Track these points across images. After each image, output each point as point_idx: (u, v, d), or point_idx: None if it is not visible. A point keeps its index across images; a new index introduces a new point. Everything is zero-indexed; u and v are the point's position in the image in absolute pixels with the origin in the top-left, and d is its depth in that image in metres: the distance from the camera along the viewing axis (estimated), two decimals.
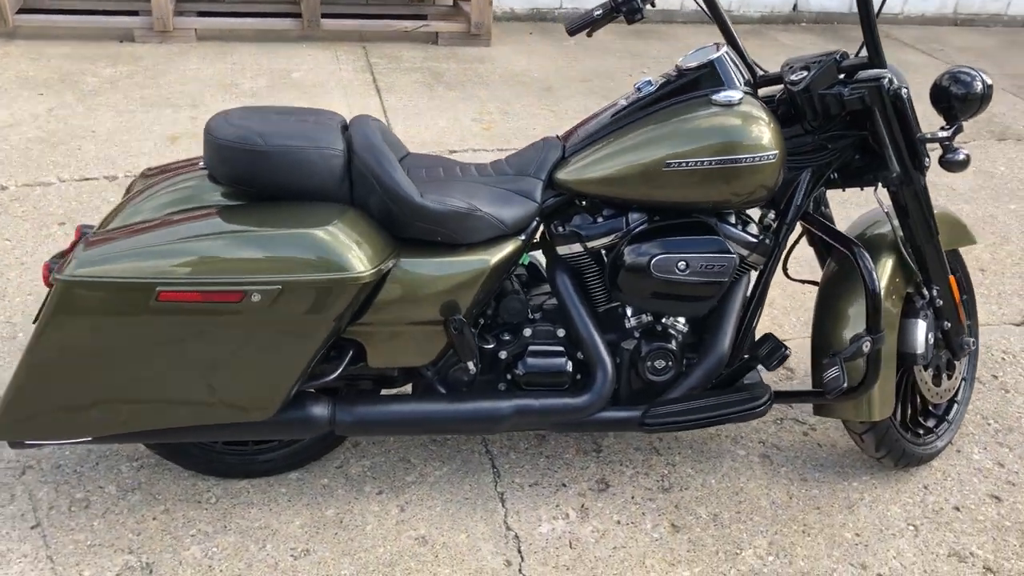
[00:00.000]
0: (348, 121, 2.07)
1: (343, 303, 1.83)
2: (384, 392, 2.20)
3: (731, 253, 2.04)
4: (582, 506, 2.25)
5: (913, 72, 5.61)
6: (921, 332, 2.25)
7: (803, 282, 2.50)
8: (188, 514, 2.14)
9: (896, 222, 2.24)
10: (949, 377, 2.46)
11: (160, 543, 2.06)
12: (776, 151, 2.01)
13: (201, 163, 2.05)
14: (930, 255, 2.23)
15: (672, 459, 2.43)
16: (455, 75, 5.20)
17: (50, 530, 2.07)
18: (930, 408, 2.50)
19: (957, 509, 2.33)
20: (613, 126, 2.09)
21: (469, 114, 4.63)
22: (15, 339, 2.69)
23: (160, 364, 1.82)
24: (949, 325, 2.33)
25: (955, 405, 2.54)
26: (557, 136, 2.20)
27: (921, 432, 2.44)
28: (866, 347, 2.06)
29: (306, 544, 2.09)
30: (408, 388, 2.20)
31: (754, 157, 1.99)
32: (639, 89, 2.14)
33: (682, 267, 2.04)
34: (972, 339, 2.42)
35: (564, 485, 2.31)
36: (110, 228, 1.85)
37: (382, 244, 1.90)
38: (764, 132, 2.00)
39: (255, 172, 1.89)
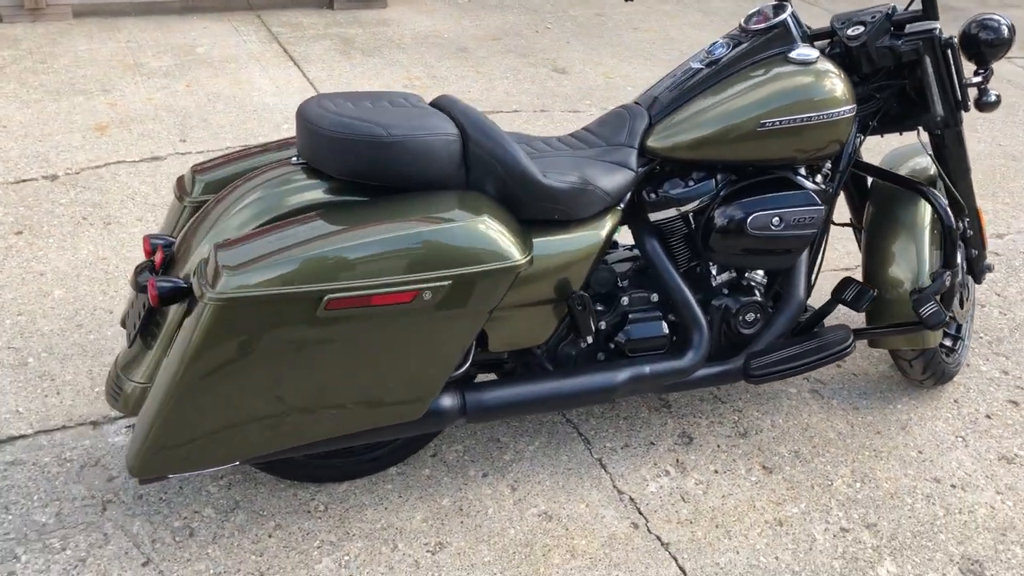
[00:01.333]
0: (435, 103, 2.00)
1: (502, 291, 1.78)
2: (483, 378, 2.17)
3: (819, 204, 2.14)
4: (676, 460, 2.32)
5: None
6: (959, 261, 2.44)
7: (844, 225, 2.65)
8: (303, 526, 2.05)
9: (932, 161, 2.41)
10: (967, 300, 2.70)
11: (288, 560, 1.96)
12: (853, 104, 2.11)
13: (294, 157, 1.93)
14: (964, 190, 2.42)
15: (736, 405, 2.53)
16: (366, 40, 5.03)
17: (165, 564, 1.92)
18: (950, 329, 2.73)
19: (988, 417, 2.58)
20: (695, 90, 2.12)
21: (398, 80, 4.50)
22: (26, 365, 2.44)
23: (321, 374, 1.72)
24: (975, 253, 2.55)
25: (964, 324, 2.79)
26: (636, 102, 2.21)
27: (947, 352, 2.66)
28: (947, 281, 2.22)
29: (437, 537, 2.05)
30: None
31: (838, 112, 2.08)
32: (711, 52, 2.18)
33: (776, 222, 2.12)
34: (991, 263, 2.65)
35: (652, 443, 2.37)
36: (242, 237, 1.71)
37: (521, 228, 1.87)
38: (842, 87, 2.09)
39: (380, 164, 1.80)
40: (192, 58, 4.55)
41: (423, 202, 1.80)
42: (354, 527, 2.06)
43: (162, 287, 1.73)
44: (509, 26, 5.48)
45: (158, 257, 1.87)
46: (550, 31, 5.48)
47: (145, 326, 1.86)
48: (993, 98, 2.26)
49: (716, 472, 2.30)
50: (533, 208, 1.93)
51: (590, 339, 2.10)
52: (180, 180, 2.09)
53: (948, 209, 2.23)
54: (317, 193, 1.84)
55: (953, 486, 2.32)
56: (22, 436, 2.22)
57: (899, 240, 2.38)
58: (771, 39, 2.13)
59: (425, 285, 1.69)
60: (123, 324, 2.05)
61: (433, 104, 2.00)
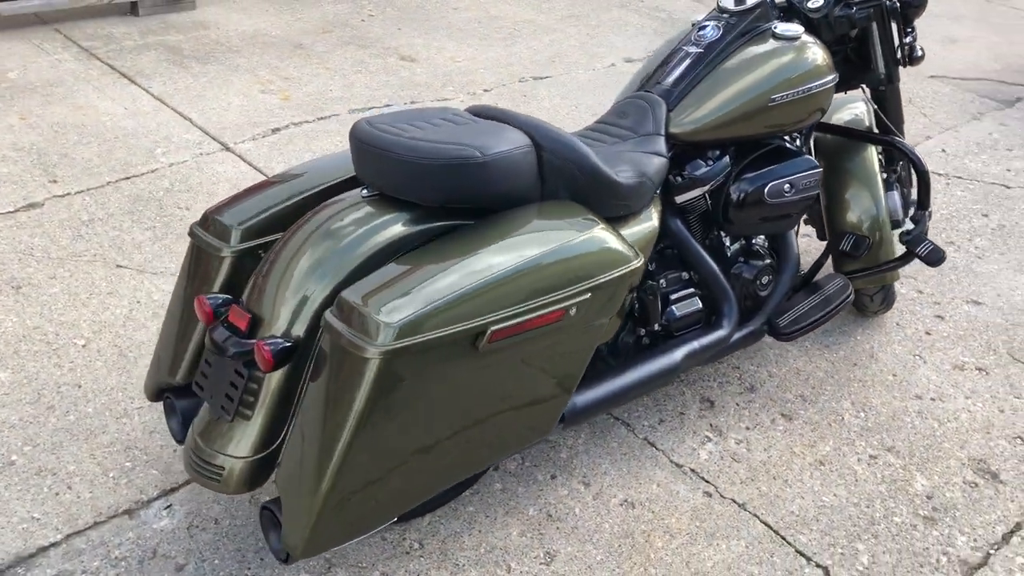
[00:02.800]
0: (478, 113, 1.95)
1: (624, 293, 1.79)
2: None
3: (818, 167, 2.31)
4: (711, 425, 2.45)
5: None
6: (898, 200, 2.73)
7: None
8: (410, 568, 1.96)
9: (877, 114, 2.67)
10: None
11: None
12: (835, 72, 2.30)
13: (364, 190, 1.81)
14: (899, 139, 2.71)
15: (732, 363, 2.70)
16: (193, 47, 4.66)
17: None
18: None
19: (928, 334, 2.92)
20: (701, 74, 2.21)
21: (252, 86, 4.24)
22: (13, 465, 2.11)
23: (477, 407, 1.65)
24: (908, 191, 2.86)
25: None
26: (646, 90, 2.26)
27: None
28: (927, 220, 2.48)
29: (543, 548, 2.04)
30: None
31: (828, 80, 2.26)
32: (702, 35, 2.27)
33: (788, 188, 2.27)
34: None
35: (682, 414, 2.48)
36: (380, 283, 1.59)
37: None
38: (826, 57, 2.27)
39: (476, 185, 1.74)
40: (8, 85, 4.01)
41: (533, 219, 1.76)
42: (459, 557, 2.01)
43: (277, 349, 1.59)
44: (332, 17, 5.29)
45: (241, 320, 1.70)
46: (375, 18, 5.36)
47: (237, 395, 1.69)
48: (920, 52, 2.54)
49: (748, 429, 2.45)
50: (606, 207, 1.95)
51: (657, 327, 2.16)
52: (204, 231, 1.89)
53: (918, 155, 2.49)
54: (405, 224, 1.75)
55: (932, 399, 2.62)
56: (53, 544, 1.94)
57: (854, 188, 2.63)
58: (755, 17, 2.27)
59: (571, 301, 1.67)
60: (193, 389, 1.84)
61: (478, 114, 1.95)
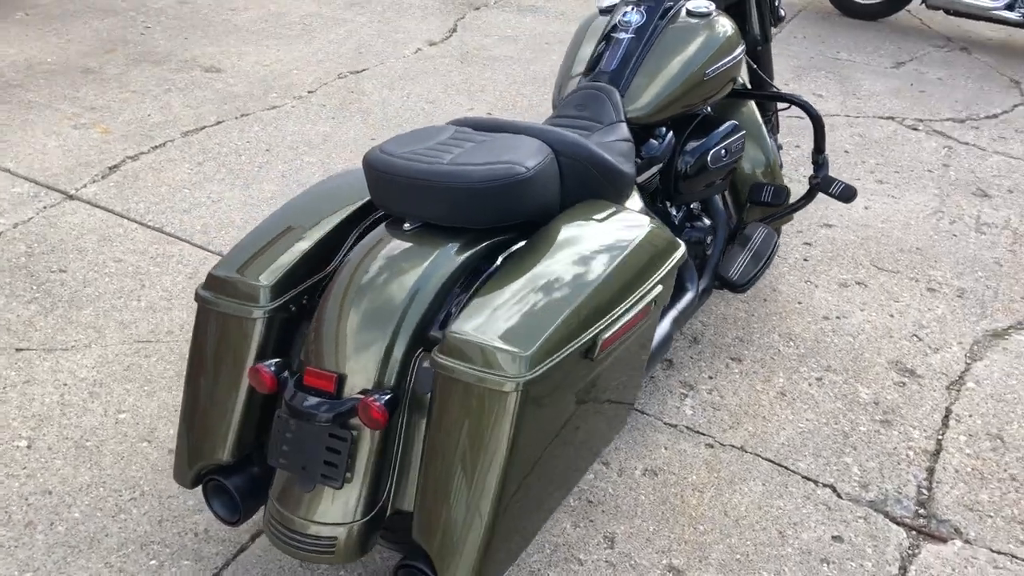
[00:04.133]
0: (479, 125, 1.96)
1: (672, 277, 1.88)
2: None
3: (742, 129, 2.52)
4: (681, 382, 2.63)
5: None
6: (775, 146, 3.04)
7: None
8: None
9: (755, 72, 2.94)
10: None
11: None
12: (743, 41, 2.51)
13: (406, 224, 1.76)
14: (797, 96, 3.00)
15: None
16: None
17: None
18: None
19: (806, 260, 3.28)
20: (640, 57, 2.33)
21: (60, 123, 3.81)
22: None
23: (586, 416, 1.68)
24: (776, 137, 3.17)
25: None
26: (593, 79, 2.34)
27: None
28: (827, 162, 2.77)
29: (598, 533, 2.13)
30: None
31: (741, 49, 2.47)
32: (627, 21, 2.38)
33: (724, 153, 2.46)
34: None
35: (652, 378, 2.64)
36: (483, 315, 1.56)
37: None
38: (735, 27, 2.47)
39: (524, 200, 1.75)
40: None
41: (590, 224, 1.81)
42: (530, 561, 2.05)
43: (385, 403, 1.55)
44: (106, 34, 4.84)
45: (325, 382, 1.61)
46: (153, 30, 4.96)
47: (342, 459, 1.62)
48: (783, 13, 2.83)
49: (711, 378, 2.66)
50: (616, 198, 2.02)
51: None
52: (219, 294, 1.75)
53: (813, 106, 2.77)
54: (459, 252, 1.74)
55: (838, 318, 2.97)
56: None
57: (749, 142, 2.89)
58: None
59: (651, 296, 1.75)
60: (270, 462, 1.72)
61: (476, 127, 1.95)
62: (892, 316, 3.00)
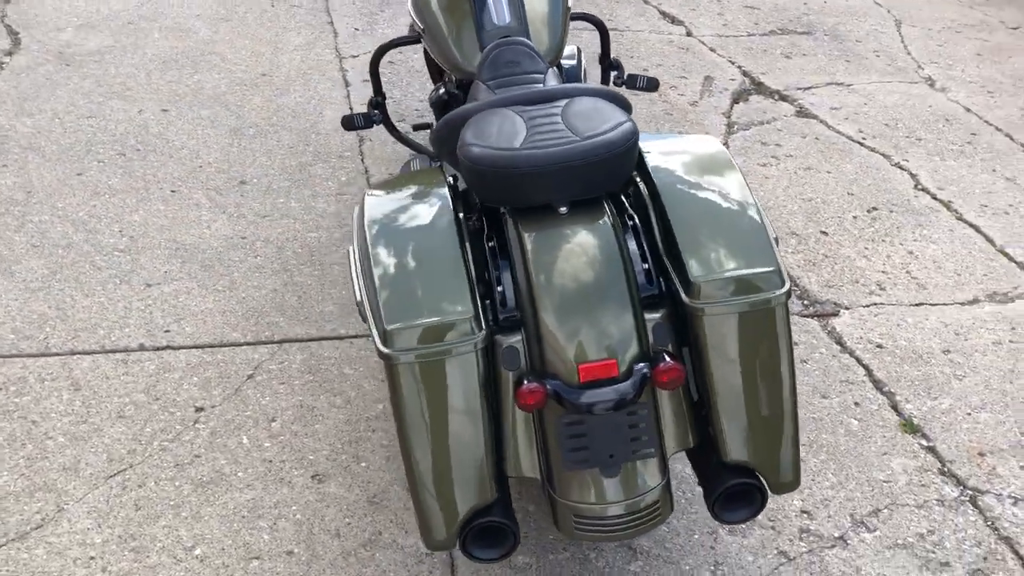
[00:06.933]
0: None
1: None
2: None
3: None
4: None
5: None
6: None
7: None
8: None
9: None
10: None
11: None
12: None
13: (563, 208, 1.88)
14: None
15: None
16: None
17: None
18: None
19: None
20: (520, 5, 2.50)
21: None
22: None
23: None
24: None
25: None
26: (503, 35, 2.44)
27: None
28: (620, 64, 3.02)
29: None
30: None
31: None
32: None
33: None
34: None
35: None
36: (709, 253, 1.83)
37: None
38: None
39: (635, 156, 1.94)
40: None
41: (670, 154, 2.03)
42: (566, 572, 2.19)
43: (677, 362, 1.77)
44: None
45: (607, 370, 1.77)
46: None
47: (650, 427, 1.84)
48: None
49: None
50: None
51: None
52: (417, 343, 1.73)
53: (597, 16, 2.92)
54: (617, 214, 1.94)
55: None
56: None
57: None
58: None
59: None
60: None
61: (527, 103, 2.08)
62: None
